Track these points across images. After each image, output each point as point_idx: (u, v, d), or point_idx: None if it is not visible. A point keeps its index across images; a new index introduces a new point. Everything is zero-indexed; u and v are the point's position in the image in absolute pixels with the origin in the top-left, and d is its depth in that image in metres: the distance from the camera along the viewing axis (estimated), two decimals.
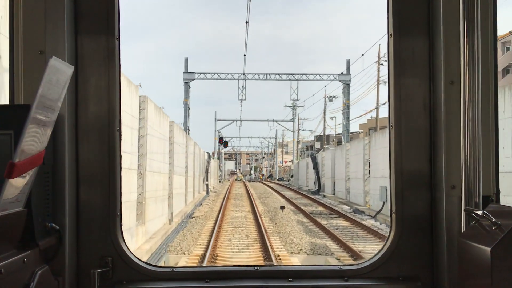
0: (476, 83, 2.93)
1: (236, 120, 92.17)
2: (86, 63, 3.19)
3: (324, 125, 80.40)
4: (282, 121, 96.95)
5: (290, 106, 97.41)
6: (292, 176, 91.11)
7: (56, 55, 2.48)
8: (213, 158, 75.85)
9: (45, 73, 2.27)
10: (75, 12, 3.16)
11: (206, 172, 51.78)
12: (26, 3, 3.03)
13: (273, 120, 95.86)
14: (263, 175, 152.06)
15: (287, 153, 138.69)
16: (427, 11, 3.24)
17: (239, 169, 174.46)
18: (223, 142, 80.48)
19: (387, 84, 3.41)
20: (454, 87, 3.10)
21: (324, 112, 79.88)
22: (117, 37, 3.22)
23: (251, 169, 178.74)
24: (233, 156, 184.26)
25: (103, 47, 3.20)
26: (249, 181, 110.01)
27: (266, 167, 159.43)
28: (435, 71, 3.21)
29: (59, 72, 2.41)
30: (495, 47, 3.09)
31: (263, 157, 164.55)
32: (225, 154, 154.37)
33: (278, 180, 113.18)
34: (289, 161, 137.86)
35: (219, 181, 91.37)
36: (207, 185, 50.67)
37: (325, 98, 76.85)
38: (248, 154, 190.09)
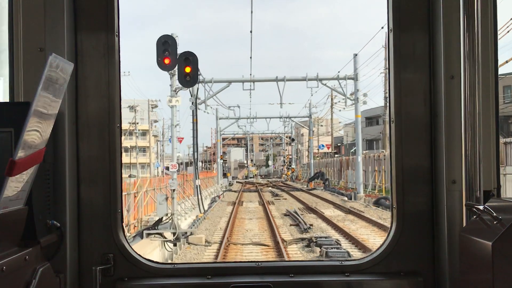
0: (476, 78, 2.93)
1: (241, 81, 38.22)
2: (86, 60, 3.19)
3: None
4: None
5: None
6: None
7: (56, 52, 2.47)
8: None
9: (44, 70, 2.27)
10: (74, 9, 3.16)
11: None
12: (26, 1, 3.02)
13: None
14: (293, 170, 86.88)
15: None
16: (427, 5, 3.24)
17: (251, 160, 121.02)
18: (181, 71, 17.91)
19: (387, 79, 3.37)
20: (454, 82, 3.09)
21: None
22: (117, 33, 3.21)
23: (267, 159, 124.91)
24: (243, 142, 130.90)
25: (103, 44, 3.19)
26: (265, 182, 65.84)
27: (294, 157, 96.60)
28: (435, 66, 3.21)
29: (59, 69, 2.40)
30: (496, 41, 3.08)
31: (293, 139, 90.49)
32: (229, 138, 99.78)
33: (377, 204, 32.30)
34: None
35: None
36: None
37: None
38: (263, 137, 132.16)
